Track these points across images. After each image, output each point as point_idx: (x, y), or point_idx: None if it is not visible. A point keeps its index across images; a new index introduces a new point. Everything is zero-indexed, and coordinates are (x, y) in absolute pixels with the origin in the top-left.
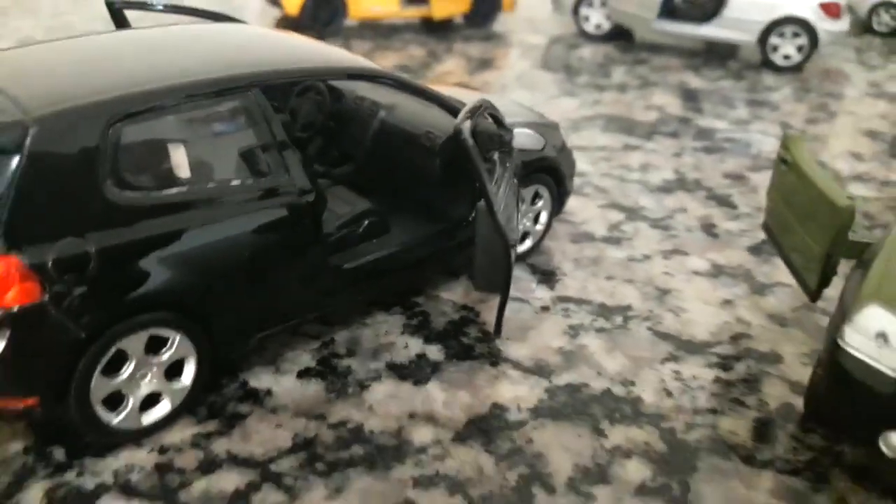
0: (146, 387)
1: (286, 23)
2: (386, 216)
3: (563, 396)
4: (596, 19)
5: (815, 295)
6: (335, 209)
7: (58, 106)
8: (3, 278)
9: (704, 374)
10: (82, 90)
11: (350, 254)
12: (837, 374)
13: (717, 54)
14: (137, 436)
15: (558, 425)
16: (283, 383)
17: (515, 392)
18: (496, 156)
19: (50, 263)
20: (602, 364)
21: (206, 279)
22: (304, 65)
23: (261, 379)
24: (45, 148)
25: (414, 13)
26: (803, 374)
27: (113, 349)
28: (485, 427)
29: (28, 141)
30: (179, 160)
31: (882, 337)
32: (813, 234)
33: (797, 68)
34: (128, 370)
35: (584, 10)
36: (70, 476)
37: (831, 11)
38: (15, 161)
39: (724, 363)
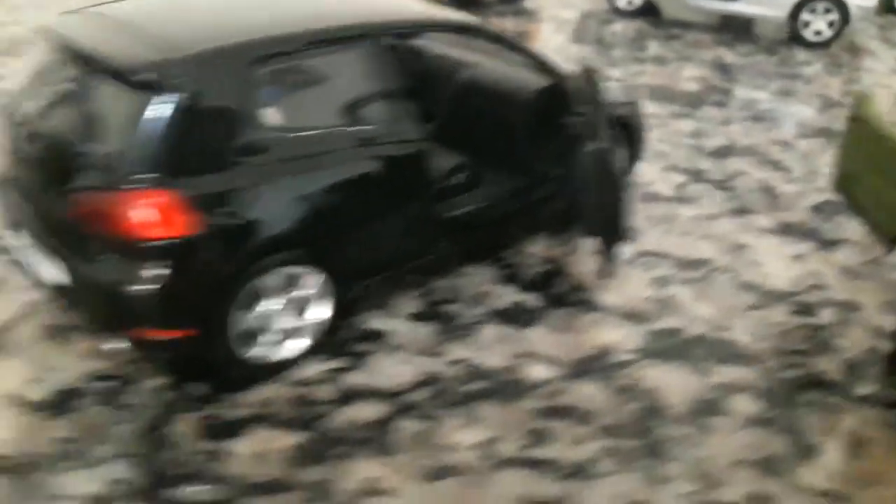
0: (282, 323)
1: None
2: (477, 170)
3: (663, 340)
4: None
5: (894, 242)
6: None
7: (207, 45)
8: (168, 210)
9: (790, 320)
10: (221, 33)
11: (448, 205)
12: None
13: (745, 31)
14: (271, 371)
15: (664, 365)
16: (396, 326)
17: (617, 336)
18: (594, 108)
19: (205, 198)
20: (693, 311)
21: (336, 220)
22: (421, 18)
23: (374, 322)
24: (199, 85)
25: None
26: (883, 321)
27: (253, 285)
28: (595, 366)
29: (184, 79)
30: (313, 103)
31: None
32: (892, 184)
33: (826, 44)
34: (266, 306)
35: None
36: (215, 408)
37: None
38: (173, 98)
39: (807, 310)
